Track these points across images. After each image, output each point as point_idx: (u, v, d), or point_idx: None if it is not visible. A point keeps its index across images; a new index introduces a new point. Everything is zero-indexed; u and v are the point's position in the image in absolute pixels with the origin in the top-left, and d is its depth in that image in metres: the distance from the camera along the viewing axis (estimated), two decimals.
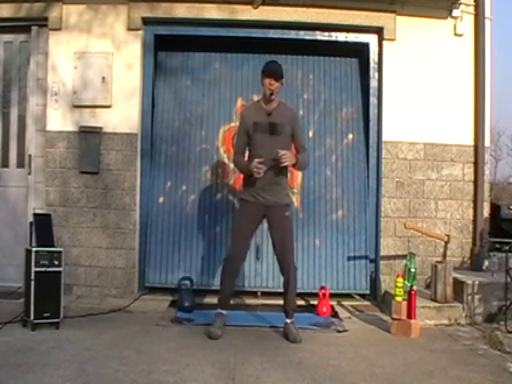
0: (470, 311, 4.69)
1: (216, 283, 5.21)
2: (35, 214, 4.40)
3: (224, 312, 4.17)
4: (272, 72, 4.06)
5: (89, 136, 5.20)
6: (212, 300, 5.06)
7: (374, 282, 5.38)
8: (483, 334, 4.31)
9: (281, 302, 4.97)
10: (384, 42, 5.39)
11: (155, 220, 5.39)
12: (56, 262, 4.11)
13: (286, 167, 4.14)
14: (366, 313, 4.94)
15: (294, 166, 4.13)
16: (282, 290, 5.16)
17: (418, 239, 5.34)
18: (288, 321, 4.15)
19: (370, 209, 5.46)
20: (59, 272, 4.13)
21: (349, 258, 5.38)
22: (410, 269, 4.68)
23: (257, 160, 3.98)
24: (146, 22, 5.34)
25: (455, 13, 5.39)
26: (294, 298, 4.22)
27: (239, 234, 4.21)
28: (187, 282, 4.94)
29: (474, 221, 5.42)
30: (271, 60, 4.34)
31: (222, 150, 5.52)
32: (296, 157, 4.10)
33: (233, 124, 5.41)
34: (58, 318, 4.09)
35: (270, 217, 4.17)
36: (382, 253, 5.34)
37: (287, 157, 3.97)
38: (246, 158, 4.24)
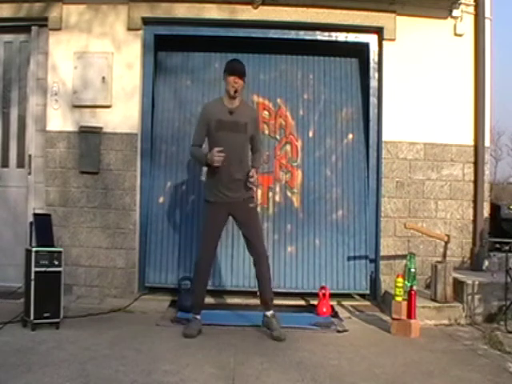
0: (469, 311, 4.69)
1: (216, 283, 5.25)
2: (35, 214, 4.40)
3: (198, 317, 4.15)
4: (236, 70, 4.09)
5: (89, 136, 5.20)
6: (212, 300, 5.08)
7: (374, 282, 5.38)
8: (483, 334, 4.32)
9: (281, 301, 4.99)
10: (384, 42, 5.39)
11: (155, 220, 5.39)
12: (56, 262, 4.11)
13: (246, 162, 4.23)
14: (365, 313, 4.94)
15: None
16: (281, 290, 5.21)
17: (418, 239, 5.34)
18: (268, 313, 4.12)
19: (369, 209, 5.46)
20: (59, 272, 4.13)
21: (349, 258, 5.38)
22: (410, 269, 4.68)
23: (216, 149, 3.99)
24: (146, 21, 5.35)
25: (455, 13, 5.39)
26: (270, 288, 4.20)
27: (207, 235, 4.21)
28: (187, 282, 4.94)
29: (474, 221, 5.42)
30: (234, 58, 4.35)
31: None
32: (256, 169, 4.20)
33: None
34: (58, 318, 4.09)
35: (234, 212, 4.19)
36: (382, 253, 5.34)
37: (255, 179, 4.11)
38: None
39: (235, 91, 4.07)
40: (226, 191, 4.12)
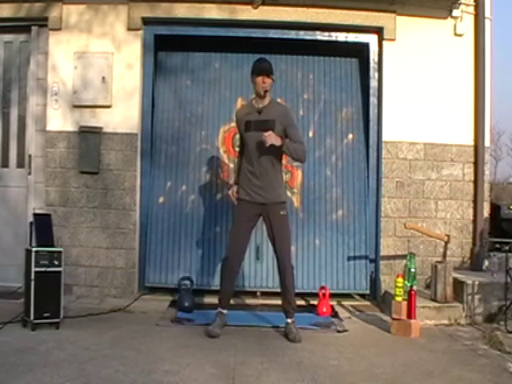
0: (469, 311, 4.69)
1: (216, 283, 5.22)
2: (35, 214, 4.40)
3: (224, 311, 4.18)
4: (263, 70, 4.09)
5: (89, 136, 5.20)
6: (212, 300, 5.06)
7: (374, 282, 5.38)
8: (483, 334, 4.31)
9: (281, 301, 4.98)
10: (384, 42, 5.39)
11: (155, 220, 5.39)
12: (56, 262, 4.11)
13: (280, 163, 4.19)
14: (365, 313, 4.94)
15: (281, 147, 4.02)
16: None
17: (418, 239, 5.34)
18: (289, 320, 4.15)
19: (369, 209, 5.46)
20: (59, 272, 4.13)
21: (349, 258, 5.38)
22: (410, 269, 4.68)
23: (235, 191, 4.25)
24: (146, 21, 5.35)
25: (455, 13, 5.39)
26: (293, 297, 4.22)
27: (236, 233, 4.22)
28: (187, 282, 4.94)
29: (474, 221, 5.42)
30: (260, 58, 4.31)
31: (221, 150, 5.52)
32: (282, 139, 4.03)
33: (233, 124, 5.38)
34: (57, 318, 4.09)
35: (266, 215, 4.18)
36: (382, 253, 5.34)
37: (271, 137, 3.95)
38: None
39: (265, 91, 4.08)
40: (259, 191, 4.11)
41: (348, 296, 5.39)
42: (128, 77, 5.28)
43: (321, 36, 5.47)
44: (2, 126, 5.48)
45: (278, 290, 5.07)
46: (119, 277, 5.22)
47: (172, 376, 3.23)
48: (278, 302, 4.76)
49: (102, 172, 5.25)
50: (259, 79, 4.07)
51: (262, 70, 4.09)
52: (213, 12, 5.29)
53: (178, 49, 5.60)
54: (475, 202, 5.42)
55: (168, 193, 5.45)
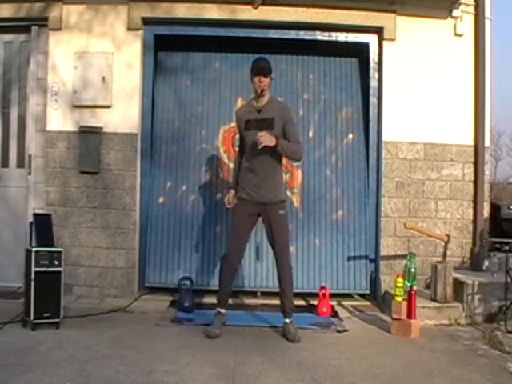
0: (469, 311, 4.69)
1: (216, 283, 5.22)
2: (35, 214, 4.40)
3: (223, 311, 4.19)
4: (261, 69, 4.10)
5: (89, 136, 5.20)
6: (212, 300, 5.05)
7: (374, 282, 5.38)
8: (483, 334, 4.32)
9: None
10: (384, 42, 5.39)
11: (155, 220, 5.39)
12: (56, 262, 4.11)
13: (279, 162, 4.20)
14: (365, 313, 4.94)
15: (275, 146, 3.99)
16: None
17: (418, 239, 5.34)
18: (287, 321, 4.15)
19: (369, 209, 5.46)
20: (59, 272, 4.13)
21: (349, 258, 5.38)
22: (410, 269, 4.68)
23: (232, 197, 4.29)
24: (146, 21, 5.35)
25: (455, 13, 5.39)
26: (291, 298, 4.22)
27: (235, 232, 4.23)
28: (187, 282, 4.94)
29: (474, 221, 5.42)
30: (258, 57, 4.32)
31: (221, 150, 5.52)
32: (277, 139, 4.01)
33: (233, 124, 5.38)
34: (58, 318, 4.09)
35: (265, 214, 4.18)
36: (382, 253, 5.34)
37: (265, 137, 3.94)
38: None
39: (262, 90, 4.09)
40: (258, 190, 4.12)
41: (348, 296, 5.39)
42: (128, 77, 5.28)
43: (321, 36, 5.47)
44: (2, 126, 5.48)
45: (279, 290, 5.10)
46: (119, 277, 5.22)
47: (172, 376, 3.23)
48: (278, 301, 4.77)
49: (102, 172, 5.25)
50: (256, 79, 4.09)
51: (259, 69, 4.11)
52: (213, 12, 5.29)
53: (178, 49, 5.60)
54: (475, 201, 5.42)
55: (168, 193, 5.45)
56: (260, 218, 4.25)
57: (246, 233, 4.24)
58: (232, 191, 4.36)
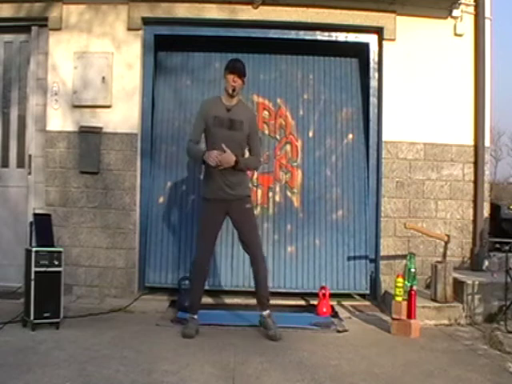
0: (470, 311, 4.69)
1: (216, 283, 5.24)
2: (35, 214, 4.41)
3: (195, 316, 4.14)
4: (236, 69, 4.11)
5: (89, 136, 5.20)
6: (212, 300, 5.08)
7: (374, 281, 5.38)
8: (483, 334, 4.32)
9: (281, 301, 4.98)
10: (384, 42, 5.39)
11: (155, 220, 5.39)
12: (56, 262, 4.11)
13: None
14: (365, 313, 4.94)
15: (234, 166, 4.04)
16: (281, 290, 5.22)
17: (418, 239, 5.34)
18: (264, 313, 4.13)
19: (369, 209, 5.46)
20: (59, 272, 4.13)
21: (349, 258, 5.38)
22: (410, 269, 4.68)
23: (216, 152, 3.99)
24: (146, 21, 5.34)
25: (455, 13, 5.39)
26: (267, 289, 4.20)
27: (204, 234, 4.21)
28: (187, 282, 4.93)
29: (474, 221, 5.42)
30: (235, 58, 4.33)
31: None
32: (237, 157, 4.05)
33: None
34: (58, 318, 4.09)
35: (231, 211, 4.18)
36: (382, 253, 5.34)
37: (226, 159, 3.98)
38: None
39: (233, 90, 4.09)
40: (222, 188, 4.11)
41: (348, 296, 5.38)
42: (128, 77, 5.28)
43: (321, 36, 5.47)
44: (2, 126, 5.48)
45: (279, 290, 5.13)
46: (119, 277, 5.22)
47: (172, 376, 3.23)
48: (278, 301, 4.79)
49: (102, 172, 5.25)
50: (230, 77, 4.08)
51: (234, 68, 4.11)
52: (213, 12, 5.29)
53: (178, 49, 5.60)
54: (475, 201, 5.42)
55: (168, 193, 5.45)
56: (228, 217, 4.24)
57: (216, 234, 4.23)
58: (207, 152, 4.10)
